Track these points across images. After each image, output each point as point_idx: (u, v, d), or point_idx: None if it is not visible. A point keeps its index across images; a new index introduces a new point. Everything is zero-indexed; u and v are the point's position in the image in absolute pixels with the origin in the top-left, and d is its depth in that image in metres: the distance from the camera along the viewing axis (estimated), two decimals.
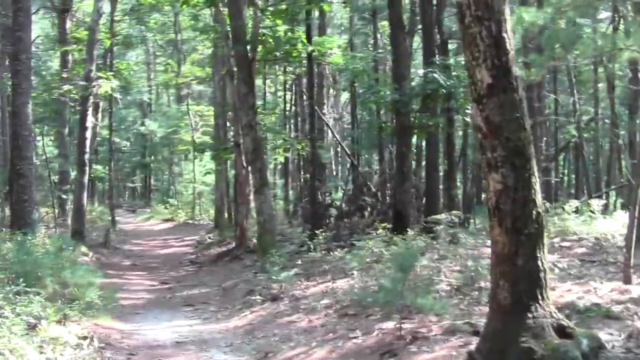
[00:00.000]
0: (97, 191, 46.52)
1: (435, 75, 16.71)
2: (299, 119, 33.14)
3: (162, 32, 43.38)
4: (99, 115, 30.93)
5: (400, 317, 8.90)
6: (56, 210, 24.62)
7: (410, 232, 15.22)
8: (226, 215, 28.55)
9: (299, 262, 15.57)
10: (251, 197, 21.09)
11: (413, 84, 19.17)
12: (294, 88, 35.66)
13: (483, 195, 28.91)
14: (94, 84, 22.30)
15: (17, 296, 8.66)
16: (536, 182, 6.93)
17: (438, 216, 15.36)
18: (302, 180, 32.64)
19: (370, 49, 32.08)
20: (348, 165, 32.33)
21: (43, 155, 29.03)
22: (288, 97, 37.41)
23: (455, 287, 10.75)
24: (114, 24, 29.62)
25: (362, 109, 31.49)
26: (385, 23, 31.87)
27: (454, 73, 17.18)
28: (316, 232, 17.12)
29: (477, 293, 10.15)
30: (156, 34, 43.18)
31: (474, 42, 6.86)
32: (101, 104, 29.61)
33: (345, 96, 41.89)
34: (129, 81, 33.26)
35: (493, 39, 6.79)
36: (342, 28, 38.47)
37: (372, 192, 21.70)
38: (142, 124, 47.75)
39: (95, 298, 10.41)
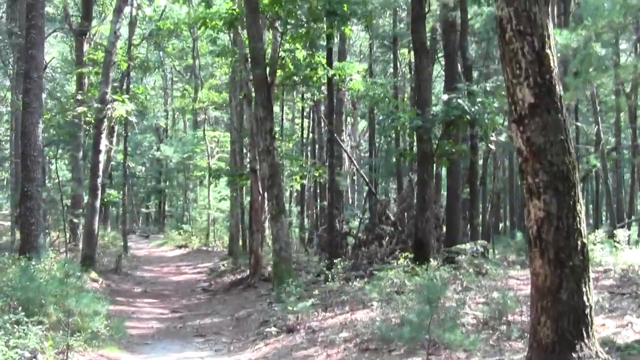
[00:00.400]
0: (110, 216, 46.17)
1: (460, 101, 16.19)
2: (317, 145, 32.82)
3: (180, 58, 43.43)
4: (114, 139, 30.65)
5: (426, 353, 8.31)
6: (67, 235, 24.16)
7: (432, 262, 14.63)
8: (240, 242, 28.05)
9: (316, 292, 14.92)
10: (266, 224, 20.60)
11: (435, 109, 18.67)
12: (311, 115, 35.38)
13: (501, 225, 28.44)
14: (108, 106, 21.87)
15: (15, 326, 8.08)
16: (581, 210, 6.41)
17: (462, 245, 14.83)
18: (318, 207, 32.21)
19: (390, 76, 31.84)
20: (364, 194, 31.90)
21: (56, 179, 28.66)
22: (305, 124, 37.10)
23: (482, 320, 10.19)
24: (132, 48, 29.48)
25: (379, 136, 31.12)
26: (405, 51, 31.74)
27: (478, 99, 16.66)
28: (334, 261, 16.54)
29: (505, 327, 9.60)
30: (174, 59, 43.25)
31: (514, 59, 6.39)
32: (116, 127, 29.34)
33: (362, 124, 41.62)
34: (145, 105, 32.99)
35: (536, 55, 6.32)
36: (362, 55, 38.28)
37: (391, 221, 21.11)
38: (158, 149, 47.52)
39: (101, 327, 9.83)
